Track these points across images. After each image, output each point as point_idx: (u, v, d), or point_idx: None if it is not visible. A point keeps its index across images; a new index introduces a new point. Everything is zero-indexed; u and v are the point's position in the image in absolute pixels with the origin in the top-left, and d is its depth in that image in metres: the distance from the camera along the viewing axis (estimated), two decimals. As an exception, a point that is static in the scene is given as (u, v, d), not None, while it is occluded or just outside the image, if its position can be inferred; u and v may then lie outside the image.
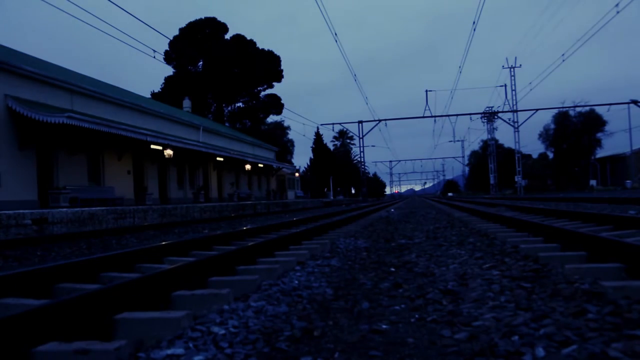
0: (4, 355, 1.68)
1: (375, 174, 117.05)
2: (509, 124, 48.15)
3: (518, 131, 47.46)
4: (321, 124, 57.04)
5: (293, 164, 58.08)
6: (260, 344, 1.96)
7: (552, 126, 58.30)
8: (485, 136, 60.68)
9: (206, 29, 57.76)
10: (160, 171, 25.91)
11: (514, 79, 49.30)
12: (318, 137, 69.34)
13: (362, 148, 51.01)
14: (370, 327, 2.19)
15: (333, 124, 49.01)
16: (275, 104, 58.84)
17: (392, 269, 3.79)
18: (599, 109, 52.56)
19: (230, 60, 56.08)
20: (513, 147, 51.26)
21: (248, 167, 35.69)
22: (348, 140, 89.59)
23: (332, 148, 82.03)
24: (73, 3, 12.22)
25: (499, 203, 16.45)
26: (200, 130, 31.26)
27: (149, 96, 50.48)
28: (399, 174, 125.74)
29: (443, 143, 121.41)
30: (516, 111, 48.07)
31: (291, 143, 66.27)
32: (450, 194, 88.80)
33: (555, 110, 54.78)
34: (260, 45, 58.40)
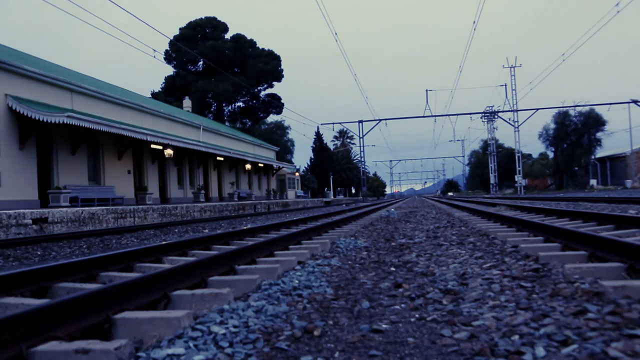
0: (4, 355, 1.68)
1: (375, 174, 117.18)
2: (509, 123, 48.21)
3: (518, 131, 47.49)
4: (321, 124, 56.98)
5: (293, 163, 58.08)
6: (261, 344, 1.95)
7: (552, 126, 58.25)
8: (485, 136, 60.76)
9: (206, 29, 57.79)
10: (160, 171, 25.91)
11: (514, 79, 49.41)
12: (318, 136, 69.32)
13: (362, 148, 51.08)
14: (371, 326, 2.19)
15: (333, 123, 49.10)
16: (276, 104, 58.85)
17: (392, 269, 3.79)
18: (599, 109, 52.60)
19: (230, 59, 56.08)
20: (513, 146, 51.33)
21: (248, 166, 35.69)
22: (348, 140, 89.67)
23: (332, 148, 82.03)
24: (73, 3, 12.22)
25: (499, 202, 16.45)
26: (200, 130, 31.26)
27: (149, 96, 50.48)
28: (399, 173, 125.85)
29: (443, 143, 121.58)
30: (516, 111, 48.11)
31: (291, 143, 66.26)
32: (450, 194, 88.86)
33: (556, 110, 54.79)
34: (261, 44, 58.50)
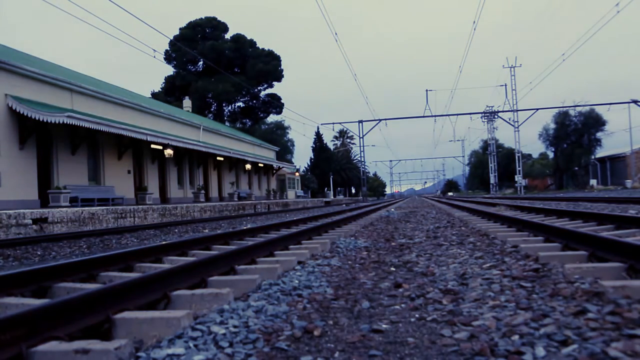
0: (4, 355, 1.68)
1: (375, 174, 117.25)
2: (509, 123, 48.20)
3: (518, 131, 47.49)
4: (321, 124, 57.10)
5: (293, 163, 58.08)
6: (261, 344, 1.95)
7: (552, 126, 58.23)
8: (485, 136, 60.79)
9: (206, 29, 57.78)
10: (160, 171, 25.91)
11: (514, 79, 49.41)
12: (318, 136, 69.33)
13: (362, 147, 51.09)
14: (371, 326, 2.19)
15: (333, 123, 49.15)
16: (276, 104, 58.86)
17: (392, 269, 3.79)
18: (599, 109, 52.57)
19: (230, 59, 56.08)
20: (513, 146, 51.34)
21: (248, 166, 35.68)
22: (348, 140, 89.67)
23: (332, 148, 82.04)
24: (73, 3, 12.22)
25: (499, 202, 16.45)
26: (200, 130, 31.26)
27: (149, 96, 50.47)
28: (399, 173, 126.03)
29: (443, 143, 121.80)
30: (516, 111, 48.10)
31: (291, 143, 66.29)
32: (450, 194, 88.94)
33: (556, 110, 54.78)
34: (261, 44, 58.50)
